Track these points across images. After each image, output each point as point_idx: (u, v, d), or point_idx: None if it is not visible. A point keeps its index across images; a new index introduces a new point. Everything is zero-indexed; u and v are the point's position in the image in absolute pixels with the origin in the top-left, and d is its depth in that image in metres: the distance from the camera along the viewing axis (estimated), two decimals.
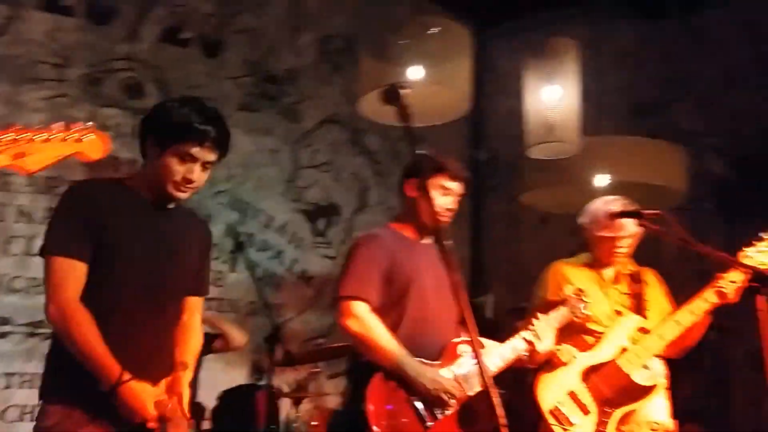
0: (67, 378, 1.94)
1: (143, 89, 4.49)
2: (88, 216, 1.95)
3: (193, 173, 1.99)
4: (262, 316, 4.62)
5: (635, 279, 3.04)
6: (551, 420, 2.74)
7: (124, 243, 1.99)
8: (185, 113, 2.00)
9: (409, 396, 2.31)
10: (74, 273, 1.92)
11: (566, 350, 2.87)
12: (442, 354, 2.45)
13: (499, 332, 2.72)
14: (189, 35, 4.73)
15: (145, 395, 1.90)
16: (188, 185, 2.01)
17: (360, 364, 2.44)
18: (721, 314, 4.61)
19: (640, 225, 2.51)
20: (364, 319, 2.38)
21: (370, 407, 2.26)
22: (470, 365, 2.41)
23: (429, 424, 2.30)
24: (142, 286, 2.00)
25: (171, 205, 2.08)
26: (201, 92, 4.66)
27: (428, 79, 3.05)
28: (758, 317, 1.93)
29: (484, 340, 2.55)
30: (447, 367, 2.42)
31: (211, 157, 2.01)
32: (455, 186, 2.56)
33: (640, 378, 2.82)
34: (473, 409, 2.38)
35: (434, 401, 2.31)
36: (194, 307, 2.20)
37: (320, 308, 5.03)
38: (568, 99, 3.51)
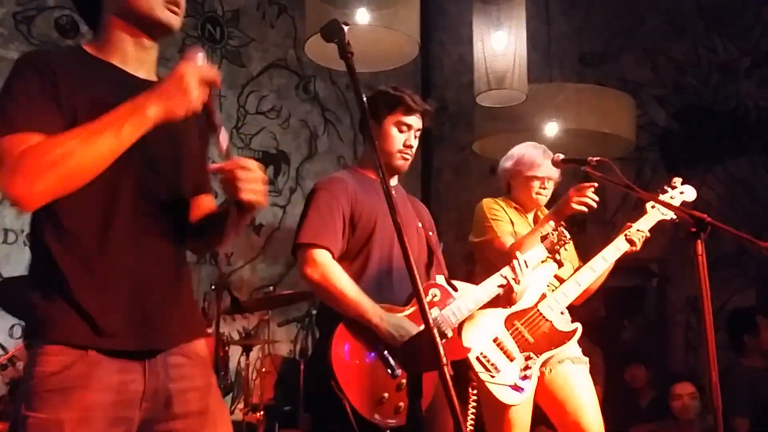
0: (71, 295, 1.41)
1: (78, 28, 4.28)
2: (50, 81, 1.41)
3: None
4: (209, 265, 4.59)
5: None
6: (478, 367, 2.73)
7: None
8: None
9: (375, 345, 2.20)
10: None
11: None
12: (411, 299, 2.32)
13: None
14: None
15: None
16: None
17: (323, 312, 2.33)
18: (661, 262, 4.78)
19: (586, 172, 2.53)
20: (326, 267, 2.23)
21: (333, 358, 2.13)
22: (438, 310, 2.35)
23: (397, 372, 2.21)
24: (135, 183, 1.49)
25: (151, 75, 1.58)
26: None
27: (375, 23, 2.97)
28: (697, 263, 1.97)
29: (458, 283, 2.51)
30: (416, 312, 2.29)
31: None
32: (412, 120, 2.43)
33: (560, 324, 2.88)
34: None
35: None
36: (207, 208, 1.71)
37: (270, 257, 4.99)
38: (516, 46, 3.48)
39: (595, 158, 2.49)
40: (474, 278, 2.84)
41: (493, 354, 2.76)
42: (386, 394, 2.16)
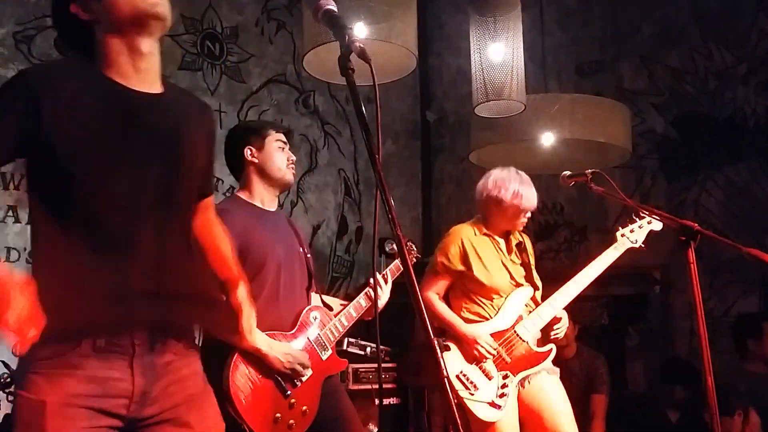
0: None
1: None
2: (23, 105, 1.47)
3: None
4: None
5: (521, 248, 3.24)
6: (457, 385, 2.94)
7: (94, 144, 1.49)
8: None
9: (268, 369, 2.37)
10: None
11: None
12: (295, 323, 2.52)
13: None
14: None
15: None
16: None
17: (211, 345, 2.30)
18: (663, 269, 4.79)
19: (589, 187, 2.64)
20: None
21: (231, 386, 2.29)
22: (319, 330, 2.55)
23: (289, 392, 2.40)
24: (133, 195, 1.53)
25: (156, 88, 1.61)
26: None
27: (372, 37, 2.99)
28: (689, 270, 2.03)
29: (328, 298, 2.72)
30: (301, 335, 2.51)
31: None
32: (284, 137, 2.67)
33: (536, 345, 3.07)
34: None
35: (290, 374, 2.40)
36: (209, 209, 1.84)
37: None
38: (513, 57, 3.50)
39: (590, 171, 2.57)
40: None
41: (472, 373, 2.97)
42: (279, 414, 2.35)
